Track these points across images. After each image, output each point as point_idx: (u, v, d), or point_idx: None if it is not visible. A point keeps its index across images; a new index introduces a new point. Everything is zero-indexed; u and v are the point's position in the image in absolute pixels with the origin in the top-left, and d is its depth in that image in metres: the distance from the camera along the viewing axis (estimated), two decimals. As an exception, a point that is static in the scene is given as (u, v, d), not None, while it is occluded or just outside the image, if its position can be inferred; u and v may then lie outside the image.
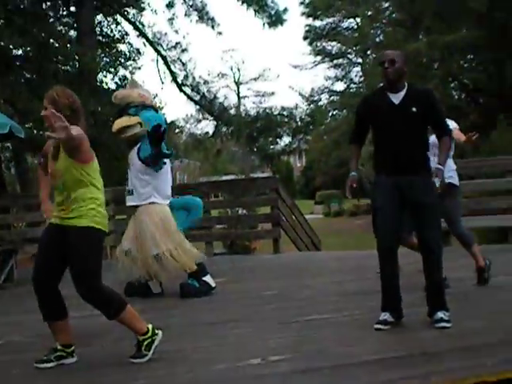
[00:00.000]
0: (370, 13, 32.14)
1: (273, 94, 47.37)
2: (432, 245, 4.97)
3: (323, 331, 5.04)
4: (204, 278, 7.15)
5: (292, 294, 6.86)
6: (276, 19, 29.86)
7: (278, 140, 48.67)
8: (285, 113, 41.75)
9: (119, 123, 7.14)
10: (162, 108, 21.00)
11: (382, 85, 5.29)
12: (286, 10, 29.30)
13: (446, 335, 4.64)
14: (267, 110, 41.33)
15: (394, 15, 33.41)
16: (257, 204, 15.55)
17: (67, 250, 4.37)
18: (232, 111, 38.06)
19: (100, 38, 20.75)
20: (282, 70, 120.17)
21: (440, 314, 4.88)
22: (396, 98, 5.01)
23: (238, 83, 49.55)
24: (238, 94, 48.99)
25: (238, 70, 49.85)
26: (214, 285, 7.19)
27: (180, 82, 28.58)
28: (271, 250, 11.21)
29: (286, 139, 48.94)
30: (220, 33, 28.32)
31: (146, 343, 4.46)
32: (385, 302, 5.08)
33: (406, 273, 5.35)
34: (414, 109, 4.95)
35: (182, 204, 7.45)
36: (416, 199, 4.96)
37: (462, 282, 6.43)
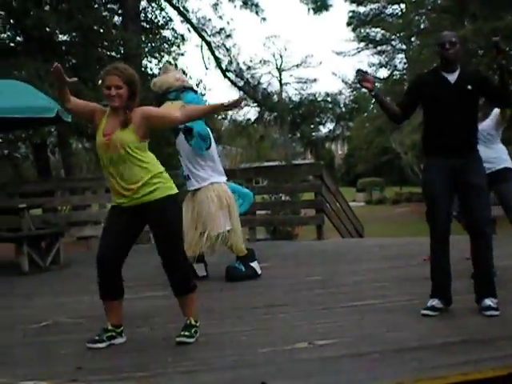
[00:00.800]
0: (415, -2, 31.76)
1: (315, 80, 47.05)
2: (484, 226, 4.92)
3: (369, 317, 5.02)
4: (251, 264, 7.18)
5: (337, 279, 6.85)
6: (321, 4, 29.75)
7: (320, 127, 48.44)
8: (328, 99, 41.47)
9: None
10: (204, 94, 21.04)
11: (435, 65, 5.25)
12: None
13: (494, 322, 4.60)
14: (310, 97, 41.12)
15: (439, 1, 32.98)
16: (301, 190, 15.55)
17: (151, 226, 4.54)
18: (274, 97, 37.95)
19: (144, 23, 20.82)
20: (325, 57, 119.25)
21: (488, 302, 4.83)
22: (452, 78, 4.97)
23: (280, 70, 49.34)
24: (280, 81, 48.78)
25: (281, 56, 49.63)
26: (260, 272, 7.21)
27: (224, 68, 28.58)
28: (314, 237, 11.19)
29: (329, 126, 48.64)
30: (264, 19, 28.17)
31: (196, 327, 4.53)
32: (435, 288, 5.04)
33: (452, 260, 5.27)
34: (469, 87, 4.91)
35: (235, 189, 7.46)
36: (470, 180, 4.91)
37: (509, 271, 6.34)
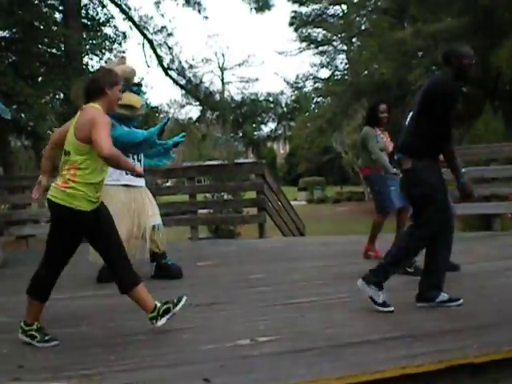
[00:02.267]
0: (356, 0, 32.13)
1: (257, 79, 47.38)
2: None
3: (310, 314, 5.08)
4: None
5: (278, 277, 6.91)
6: (263, 4, 29.85)
7: (262, 126, 48.65)
8: (270, 99, 41.67)
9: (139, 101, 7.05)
10: (146, 93, 20.91)
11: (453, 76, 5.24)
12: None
13: (435, 318, 4.73)
14: (252, 96, 41.26)
15: (379, 3, 33.43)
16: (243, 189, 15.60)
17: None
18: (216, 96, 37.95)
19: (86, 20, 20.63)
20: (268, 57, 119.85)
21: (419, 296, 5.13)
22: None
23: (222, 69, 49.39)
24: (223, 80, 48.85)
25: (223, 55, 49.74)
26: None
27: (166, 66, 28.51)
28: (256, 235, 11.27)
29: (271, 125, 48.88)
30: (206, 17, 28.24)
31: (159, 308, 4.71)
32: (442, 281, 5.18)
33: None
34: None
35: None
36: None
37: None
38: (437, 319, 4.70)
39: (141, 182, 6.95)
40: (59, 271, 4.57)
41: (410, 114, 5.74)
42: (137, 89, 7.10)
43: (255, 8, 31.06)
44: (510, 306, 5.00)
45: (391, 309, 4.97)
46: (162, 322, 4.67)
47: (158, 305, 4.70)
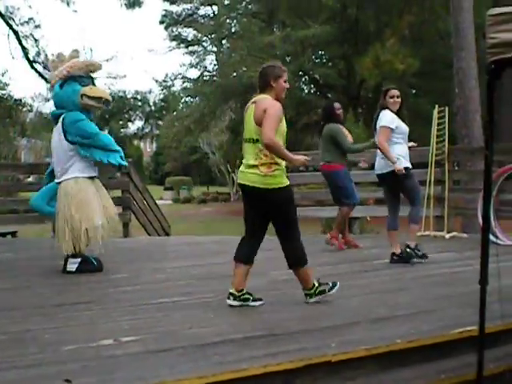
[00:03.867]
0: (227, 2, 32.39)
1: (125, 76, 46.65)
2: None
3: (174, 314, 5.12)
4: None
5: (143, 277, 6.90)
6: (134, 1, 29.58)
7: (129, 123, 48.08)
8: (138, 96, 41.27)
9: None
10: (9, 85, 20.27)
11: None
12: (144, -9, 29.04)
13: (295, 318, 4.88)
14: (120, 93, 40.70)
15: (250, 6, 33.88)
16: (107, 187, 15.30)
17: None
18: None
19: None
20: (137, 54, 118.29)
21: None
22: None
23: (89, 63, 48.36)
24: (90, 75, 47.90)
25: (91, 50, 48.73)
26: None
27: (31, 59, 27.68)
28: (120, 234, 11.15)
29: (138, 123, 48.40)
30: (75, 11, 27.65)
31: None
32: None
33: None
34: None
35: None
36: None
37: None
38: (299, 319, 4.86)
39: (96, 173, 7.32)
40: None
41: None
42: (89, 81, 7.24)
43: (125, 4, 30.73)
44: (368, 306, 5.25)
45: None
46: (314, 299, 5.38)
47: (316, 284, 5.41)
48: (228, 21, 33.96)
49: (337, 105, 8.72)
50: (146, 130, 50.72)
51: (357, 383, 3.91)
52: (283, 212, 5.26)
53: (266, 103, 5.10)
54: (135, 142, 60.08)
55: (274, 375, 3.73)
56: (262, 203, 5.27)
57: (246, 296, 5.37)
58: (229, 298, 5.35)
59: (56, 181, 7.22)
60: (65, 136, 7.05)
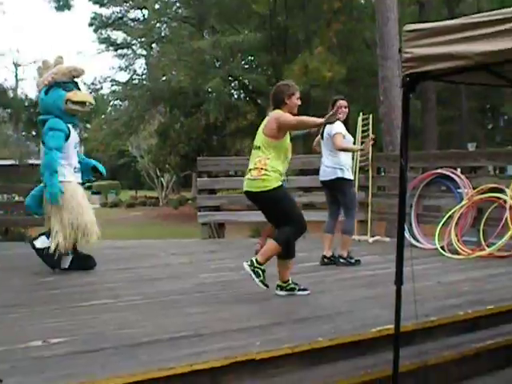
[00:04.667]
0: (157, 6, 32.27)
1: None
2: None
3: (103, 316, 5.20)
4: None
5: (71, 280, 6.93)
6: (63, 3, 29.32)
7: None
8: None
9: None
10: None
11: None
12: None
13: (220, 318, 5.03)
14: None
15: (180, 11, 33.85)
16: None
17: None
18: (10, 93, 36.51)
19: None
20: (67, 56, 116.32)
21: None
22: None
23: (16, 65, 47.56)
24: (16, 76, 47.12)
25: (18, 51, 47.92)
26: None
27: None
28: (48, 238, 11.07)
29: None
30: (4, 12, 27.22)
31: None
32: None
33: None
34: None
35: None
36: None
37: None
38: (224, 319, 5.00)
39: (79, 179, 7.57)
40: None
41: None
42: (73, 87, 7.48)
43: (55, 7, 30.48)
44: (291, 307, 5.45)
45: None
46: (281, 293, 5.92)
47: (290, 281, 5.97)
48: (158, 25, 33.83)
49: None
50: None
51: (281, 379, 4.08)
52: (272, 210, 5.89)
53: (278, 114, 5.77)
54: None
55: (202, 373, 3.87)
56: (256, 203, 5.97)
57: (292, 286, 5.98)
58: (276, 289, 5.96)
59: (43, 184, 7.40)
60: (42, 141, 7.34)
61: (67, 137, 7.30)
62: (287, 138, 5.85)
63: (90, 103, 7.56)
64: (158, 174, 49.83)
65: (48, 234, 7.24)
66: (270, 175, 5.70)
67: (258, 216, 11.14)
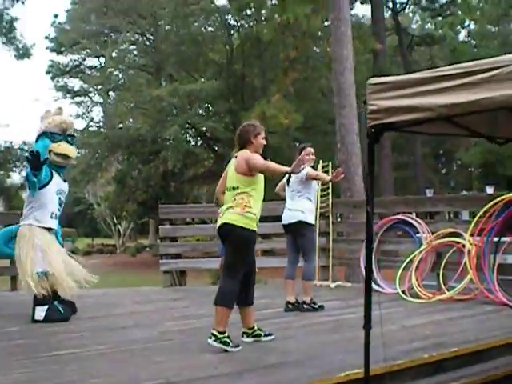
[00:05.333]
0: (114, 54, 32.46)
1: (8, 125, 45.74)
2: None
3: (72, 365, 5.16)
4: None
5: (35, 330, 6.86)
6: (23, 52, 29.45)
7: (16, 174, 46.73)
8: (25, 147, 40.13)
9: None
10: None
11: None
12: (34, 44, 29.06)
13: (189, 366, 5.05)
14: (7, 143, 39.28)
15: (136, 59, 34.09)
16: None
17: None
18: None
19: None
20: (25, 104, 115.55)
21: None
22: None
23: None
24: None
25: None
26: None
27: None
28: (7, 287, 10.93)
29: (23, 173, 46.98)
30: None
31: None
32: None
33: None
34: None
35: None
36: None
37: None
38: (194, 367, 5.02)
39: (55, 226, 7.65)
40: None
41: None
42: (71, 139, 7.71)
43: (15, 55, 30.61)
44: (258, 354, 5.49)
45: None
46: (248, 340, 5.98)
47: (256, 328, 6.04)
48: (115, 72, 34.01)
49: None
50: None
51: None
52: (235, 252, 5.80)
53: (247, 154, 5.80)
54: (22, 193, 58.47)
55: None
56: (225, 237, 5.87)
57: (258, 332, 6.05)
58: (242, 337, 6.01)
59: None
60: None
61: (48, 181, 7.42)
62: (261, 176, 5.90)
63: (71, 157, 7.70)
64: (115, 221, 49.52)
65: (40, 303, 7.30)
66: (253, 216, 5.73)
67: (217, 263, 11.30)
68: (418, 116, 3.63)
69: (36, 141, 7.69)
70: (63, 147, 7.57)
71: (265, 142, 6.00)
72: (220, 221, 5.83)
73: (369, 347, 4.09)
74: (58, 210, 7.70)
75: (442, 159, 49.99)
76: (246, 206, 5.70)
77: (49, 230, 7.55)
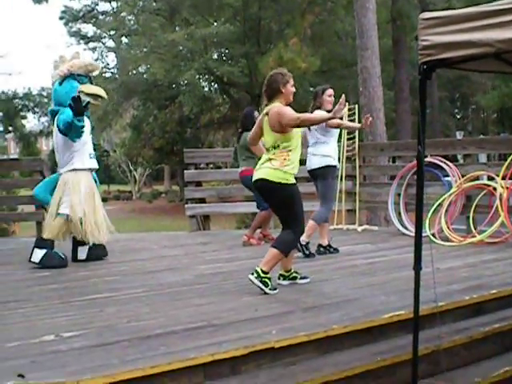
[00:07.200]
0: (128, -2, 31.98)
1: (20, 73, 45.46)
2: None
3: (108, 309, 5.17)
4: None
5: (68, 274, 6.90)
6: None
7: (35, 120, 46.55)
8: (44, 93, 39.83)
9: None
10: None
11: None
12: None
13: (229, 309, 5.02)
14: (26, 90, 38.99)
15: (152, 3, 33.58)
16: (20, 185, 14.92)
17: None
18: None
19: None
20: (37, 50, 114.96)
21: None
22: None
23: (-16, 58, 46.90)
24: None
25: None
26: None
27: None
28: (33, 233, 10.98)
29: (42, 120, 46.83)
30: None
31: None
32: None
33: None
34: None
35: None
36: None
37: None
38: (233, 310, 4.99)
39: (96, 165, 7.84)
40: None
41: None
42: (87, 80, 7.64)
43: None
44: (295, 297, 5.46)
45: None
46: (284, 282, 5.98)
47: (292, 270, 6.04)
48: (129, 17, 33.59)
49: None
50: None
51: (298, 368, 4.09)
52: (285, 207, 5.77)
53: (278, 111, 5.60)
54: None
55: (222, 363, 3.87)
56: (267, 194, 5.86)
57: (294, 275, 6.04)
58: (279, 279, 6.00)
59: (58, 172, 7.64)
60: (59, 130, 7.39)
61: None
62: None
63: (103, 97, 7.59)
64: (131, 167, 49.57)
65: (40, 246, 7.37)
66: (291, 170, 5.66)
67: (245, 207, 11.29)
68: (475, 51, 3.48)
69: (60, 84, 7.59)
70: (93, 88, 7.51)
71: (294, 90, 5.82)
72: (257, 174, 5.76)
73: (419, 288, 4.01)
74: (94, 149, 7.80)
75: (457, 104, 49.44)
76: (285, 159, 5.62)
77: (90, 170, 7.68)
